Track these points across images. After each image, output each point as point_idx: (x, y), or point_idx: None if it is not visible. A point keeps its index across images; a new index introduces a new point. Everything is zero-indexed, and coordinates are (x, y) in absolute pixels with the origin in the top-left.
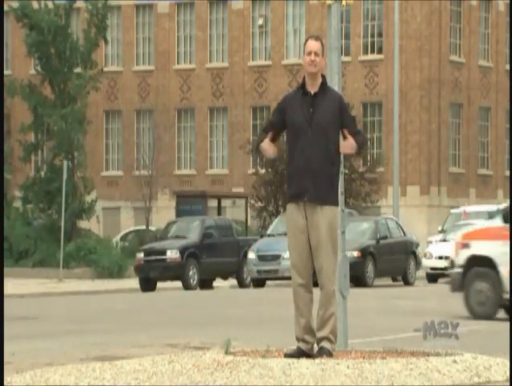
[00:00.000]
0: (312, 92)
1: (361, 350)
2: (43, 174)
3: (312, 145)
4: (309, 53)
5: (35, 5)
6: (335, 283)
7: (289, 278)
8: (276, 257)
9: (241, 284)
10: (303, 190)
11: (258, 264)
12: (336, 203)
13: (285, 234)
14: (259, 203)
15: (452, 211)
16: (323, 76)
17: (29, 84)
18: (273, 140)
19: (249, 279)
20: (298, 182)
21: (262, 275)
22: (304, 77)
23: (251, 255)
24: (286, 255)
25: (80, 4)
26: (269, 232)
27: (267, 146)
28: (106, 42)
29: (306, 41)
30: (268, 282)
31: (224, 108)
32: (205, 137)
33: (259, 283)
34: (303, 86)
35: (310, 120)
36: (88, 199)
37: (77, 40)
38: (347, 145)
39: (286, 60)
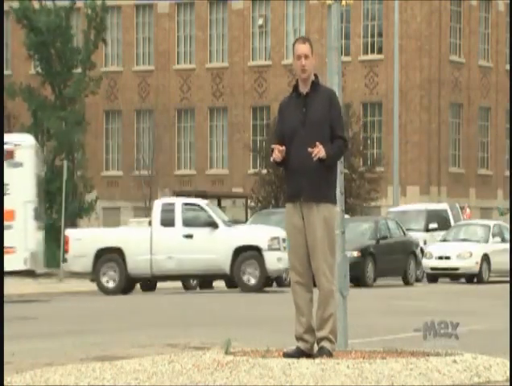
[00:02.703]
0: (304, 93)
1: (361, 350)
2: (43, 174)
3: (307, 144)
4: (298, 57)
5: (36, 5)
6: (334, 283)
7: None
8: None
9: None
10: (299, 189)
11: None
12: (332, 201)
13: None
14: (259, 205)
15: (390, 209)
16: (315, 75)
17: (28, 87)
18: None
19: None
20: (294, 182)
21: None
22: (297, 79)
23: None
24: None
25: (79, 4)
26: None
27: (277, 152)
28: (106, 44)
29: (294, 44)
30: None
31: (224, 108)
32: (205, 137)
33: None
34: (296, 88)
35: (303, 119)
36: (88, 198)
37: (77, 41)
38: (319, 150)
39: (286, 60)
